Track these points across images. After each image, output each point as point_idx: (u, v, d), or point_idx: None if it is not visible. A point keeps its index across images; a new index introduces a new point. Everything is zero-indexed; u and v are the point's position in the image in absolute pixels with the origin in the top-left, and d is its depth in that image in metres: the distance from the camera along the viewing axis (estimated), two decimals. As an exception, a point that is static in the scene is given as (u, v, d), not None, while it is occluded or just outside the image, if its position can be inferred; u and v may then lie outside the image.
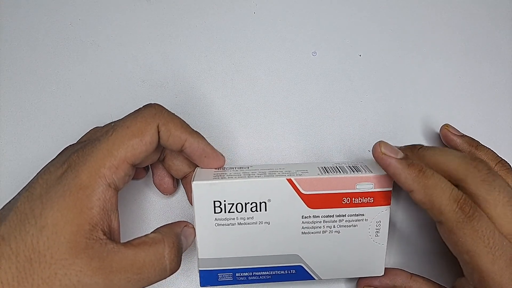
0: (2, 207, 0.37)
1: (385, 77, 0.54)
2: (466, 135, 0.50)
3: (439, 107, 0.54)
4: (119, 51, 0.52)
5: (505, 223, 0.40)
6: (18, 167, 0.50)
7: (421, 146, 0.45)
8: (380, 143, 0.43)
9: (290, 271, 0.45)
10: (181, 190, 0.51)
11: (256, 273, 0.45)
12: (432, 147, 0.45)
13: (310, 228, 0.44)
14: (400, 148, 0.46)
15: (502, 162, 0.47)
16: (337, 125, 0.53)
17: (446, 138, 0.50)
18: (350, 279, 0.52)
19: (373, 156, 0.43)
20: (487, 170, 0.41)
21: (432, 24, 0.55)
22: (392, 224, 0.52)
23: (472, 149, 0.48)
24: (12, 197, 0.37)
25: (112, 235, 0.37)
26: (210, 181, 0.42)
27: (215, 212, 0.43)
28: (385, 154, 0.42)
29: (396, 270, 0.48)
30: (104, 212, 0.36)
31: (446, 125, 0.51)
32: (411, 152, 0.45)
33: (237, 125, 0.52)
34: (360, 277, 0.49)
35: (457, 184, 0.41)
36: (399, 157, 0.42)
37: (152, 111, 0.40)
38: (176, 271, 0.39)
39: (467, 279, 0.42)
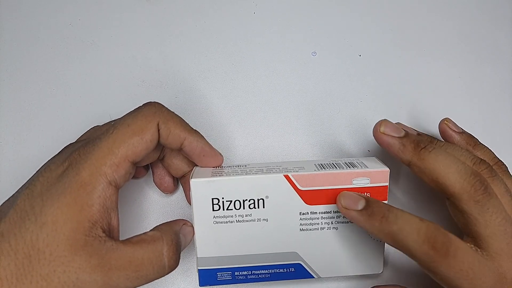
0: (2, 204, 0.37)
1: (385, 77, 0.54)
2: (465, 132, 0.49)
3: (439, 107, 0.54)
4: (119, 51, 0.52)
5: (494, 241, 0.39)
6: (18, 166, 0.50)
7: (425, 145, 0.42)
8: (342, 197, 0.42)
9: (289, 270, 0.45)
10: (181, 189, 0.51)
11: (255, 272, 0.45)
12: (436, 150, 0.42)
13: (308, 224, 0.44)
14: (404, 138, 0.43)
15: (498, 164, 0.46)
16: (337, 125, 0.53)
17: (445, 134, 0.49)
18: (349, 278, 0.52)
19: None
20: (483, 191, 0.39)
21: (432, 24, 0.55)
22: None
23: (469, 148, 0.47)
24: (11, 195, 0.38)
25: (111, 233, 0.37)
26: (208, 178, 0.42)
27: (213, 210, 0.43)
28: (384, 133, 0.42)
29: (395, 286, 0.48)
30: (104, 210, 0.36)
31: (446, 119, 0.49)
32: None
33: (236, 125, 0.52)
34: None
35: (449, 197, 0.41)
36: (359, 208, 0.41)
37: (152, 109, 0.40)
38: (174, 268, 0.39)
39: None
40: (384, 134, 0.42)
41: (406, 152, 0.42)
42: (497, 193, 0.40)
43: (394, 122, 0.44)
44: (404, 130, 0.43)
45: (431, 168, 0.41)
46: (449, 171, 0.40)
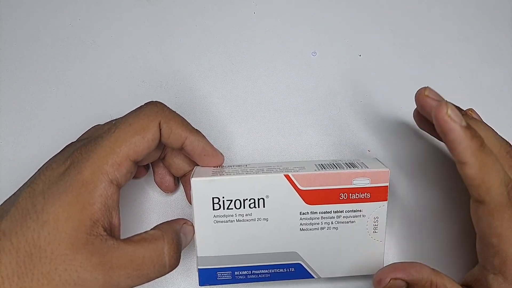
0: (3, 203, 0.37)
1: (385, 77, 0.54)
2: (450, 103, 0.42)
3: (439, 107, 0.54)
4: (119, 51, 0.52)
5: None
6: (18, 166, 0.50)
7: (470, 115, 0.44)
8: (446, 105, 0.36)
9: (289, 269, 0.45)
10: (181, 188, 0.51)
11: (255, 272, 0.45)
12: (477, 121, 0.43)
13: (308, 224, 0.44)
14: (467, 130, 0.39)
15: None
16: (337, 125, 0.53)
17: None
18: (350, 278, 0.52)
19: (435, 119, 0.37)
20: None
21: (432, 24, 0.55)
22: (390, 221, 0.52)
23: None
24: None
25: (112, 232, 0.37)
26: (209, 178, 0.42)
27: (214, 209, 0.43)
28: (450, 117, 0.36)
29: (419, 263, 0.46)
30: (106, 209, 0.36)
31: (425, 89, 0.42)
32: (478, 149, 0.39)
33: (236, 125, 0.52)
34: (380, 270, 0.46)
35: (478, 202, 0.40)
36: (463, 124, 0.36)
37: (154, 108, 0.40)
38: (175, 267, 0.39)
39: (482, 268, 0.42)
40: (449, 117, 0.37)
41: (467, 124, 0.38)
42: None
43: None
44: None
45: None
46: (490, 138, 0.42)
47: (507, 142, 0.42)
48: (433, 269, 0.45)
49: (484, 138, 0.39)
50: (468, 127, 0.37)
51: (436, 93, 0.40)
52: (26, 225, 0.33)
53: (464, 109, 0.47)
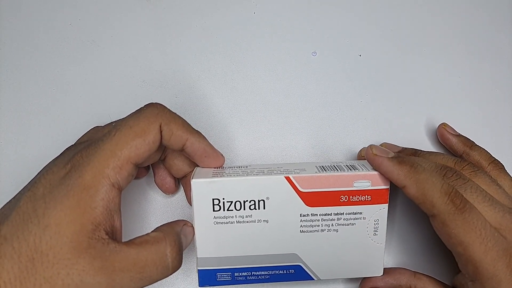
0: (3, 207, 0.37)
1: (385, 77, 0.54)
2: (462, 135, 0.51)
3: (439, 107, 0.54)
4: (119, 51, 0.52)
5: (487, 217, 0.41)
6: (18, 167, 0.50)
7: (421, 151, 0.49)
8: (370, 146, 0.45)
9: (289, 271, 0.45)
10: (182, 189, 0.51)
11: (255, 273, 0.45)
12: (427, 152, 0.49)
13: (309, 226, 0.44)
14: (403, 149, 0.50)
15: (495, 162, 0.48)
16: (337, 125, 0.53)
17: (443, 137, 0.52)
18: (349, 280, 0.52)
19: (366, 159, 0.45)
20: (457, 176, 0.44)
21: (432, 24, 0.55)
22: (390, 223, 0.52)
23: (467, 149, 0.50)
24: (12, 197, 0.37)
25: (114, 235, 0.37)
26: (209, 179, 0.42)
27: (214, 210, 0.43)
28: (376, 155, 0.43)
29: (400, 269, 0.49)
30: (107, 212, 0.36)
31: (443, 124, 0.52)
32: (414, 155, 0.49)
33: (236, 125, 0.52)
34: (363, 278, 0.49)
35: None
36: (390, 156, 0.43)
37: (154, 110, 0.40)
38: (178, 269, 0.39)
39: (463, 274, 0.43)
40: (375, 155, 0.44)
41: (397, 154, 0.45)
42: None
43: (380, 145, 0.50)
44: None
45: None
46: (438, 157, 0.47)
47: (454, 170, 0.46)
48: (414, 272, 0.48)
49: (433, 160, 0.47)
50: (395, 157, 0.43)
51: (382, 149, 0.45)
52: (27, 229, 0.33)
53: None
